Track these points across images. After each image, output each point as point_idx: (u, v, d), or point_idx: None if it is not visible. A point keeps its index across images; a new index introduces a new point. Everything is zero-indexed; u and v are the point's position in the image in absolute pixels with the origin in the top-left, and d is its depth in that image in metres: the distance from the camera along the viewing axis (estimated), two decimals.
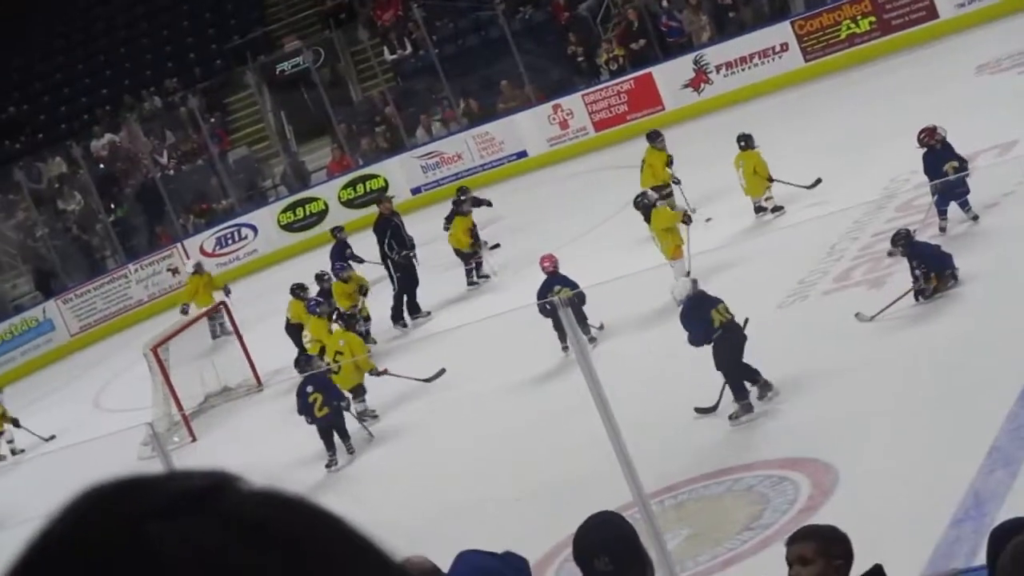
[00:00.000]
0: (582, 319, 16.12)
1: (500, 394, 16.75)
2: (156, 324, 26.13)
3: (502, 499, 13.48)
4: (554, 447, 14.04)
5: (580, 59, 30.24)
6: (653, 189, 19.88)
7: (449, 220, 22.68)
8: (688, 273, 17.91)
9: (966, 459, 10.90)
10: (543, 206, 25.06)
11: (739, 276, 17.64)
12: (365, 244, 22.89)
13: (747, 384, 13.71)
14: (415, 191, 30.33)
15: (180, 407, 20.12)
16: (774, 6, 28.76)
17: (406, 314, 21.39)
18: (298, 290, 20.95)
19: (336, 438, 16.91)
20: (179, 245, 31.83)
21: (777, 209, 19.53)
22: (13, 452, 22.60)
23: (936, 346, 13.62)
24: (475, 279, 21.95)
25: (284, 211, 31.95)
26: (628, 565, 4.69)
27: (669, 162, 20.82)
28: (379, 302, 21.33)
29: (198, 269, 25.85)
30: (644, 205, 18.34)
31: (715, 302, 13.96)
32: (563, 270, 17.54)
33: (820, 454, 12.16)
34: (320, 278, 21.26)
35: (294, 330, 20.81)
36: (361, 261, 22.71)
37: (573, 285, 16.69)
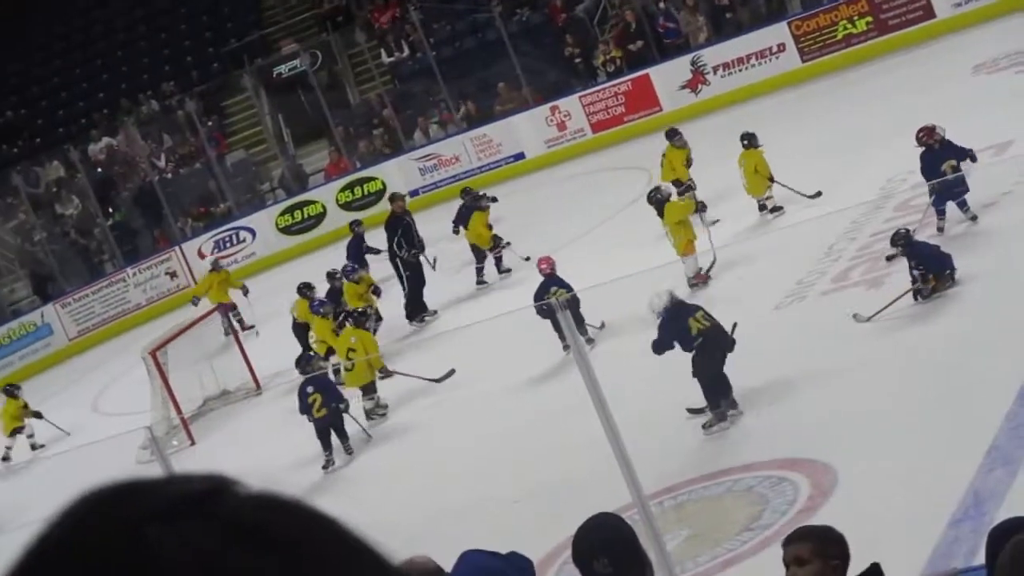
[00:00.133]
0: (580, 320, 16.13)
1: (500, 394, 16.76)
2: (154, 328, 26.12)
3: (501, 500, 13.49)
4: (554, 448, 14.04)
5: (577, 61, 30.24)
6: (674, 184, 19.94)
7: (457, 221, 22.73)
8: (702, 269, 17.91)
9: (965, 459, 10.90)
10: (541, 208, 25.07)
11: (737, 277, 17.67)
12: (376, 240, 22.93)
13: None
14: (413, 193, 30.27)
15: (179, 411, 20.11)
16: (771, 7, 28.79)
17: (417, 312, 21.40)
18: (305, 289, 20.93)
19: (334, 439, 16.94)
20: (177, 249, 31.84)
21: (776, 209, 19.51)
22: (33, 447, 22.75)
23: (935, 346, 13.62)
24: (484, 278, 21.90)
25: (282, 214, 31.96)
26: (627, 566, 4.69)
27: (688, 161, 20.77)
28: (386, 300, 21.31)
29: (215, 266, 26.13)
30: (658, 200, 18.28)
31: (693, 310, 13.90)
32: (561, 272, 17.56)
33: (819, 455, 12.16)
34: (331, 276, 21.25)
35: (301, 329, 20.81)
36: (378, 252, 22.75)
37: (569, 287, 16.71)
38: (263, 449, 17.62)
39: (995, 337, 12.76)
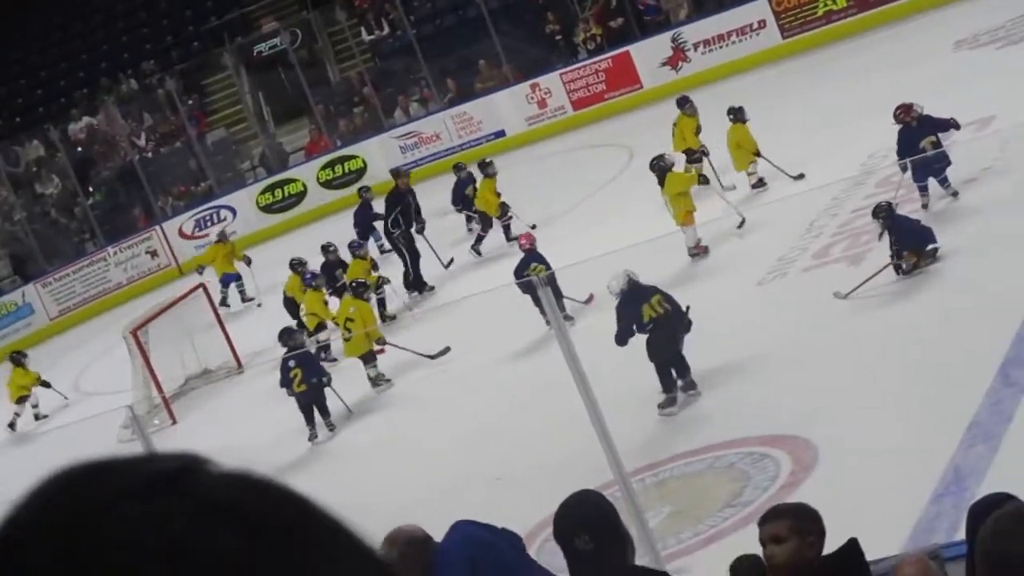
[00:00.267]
0: (559, 295, 16.12)
1: (483, 371, 16.76)
2: (136, 307, 26.11)
3: (483, 477, 13.48)
4: (535, 425, 14.04)
5: (558, 38, 30.21)
6: (685, 153, 19.91)
7: (457, 192, 23.06)
8: (700, 240, 17.85)
9: (946, 435, 10.93)
10: (522, 185, 25.04)
11: (718, 253, 17.68)
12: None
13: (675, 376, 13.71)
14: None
15: (160, 390, 20.11)
16: None
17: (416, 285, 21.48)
18: (297, 264, 20.90)
19: (317, 415, 16.97)
20: (158, 228, 31.79)
21: (759, 184, 19.50)
22: (36, 417, 22.91)
23: (916, 322, 13.63)
24: (479, 247, 21.88)
25: (263, 192, 31.93)
26: (608, 543, 4.70)
27: (698, 129, 20.67)
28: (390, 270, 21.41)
29: (222, 238, 26.38)
30: (660, 168, 18.10)
31: (649, 294, 13.85)
32: (541, 248, 17.57)
33: (800, 431, 12.18)
34: (325, 249, 21.21)
35: (292, 304, 20.77)
36: (384, 218, 22.75)
37: (548, 264, 16.72)
38: (244, 428, 17.61)
39: (976, 313, 12.78)
